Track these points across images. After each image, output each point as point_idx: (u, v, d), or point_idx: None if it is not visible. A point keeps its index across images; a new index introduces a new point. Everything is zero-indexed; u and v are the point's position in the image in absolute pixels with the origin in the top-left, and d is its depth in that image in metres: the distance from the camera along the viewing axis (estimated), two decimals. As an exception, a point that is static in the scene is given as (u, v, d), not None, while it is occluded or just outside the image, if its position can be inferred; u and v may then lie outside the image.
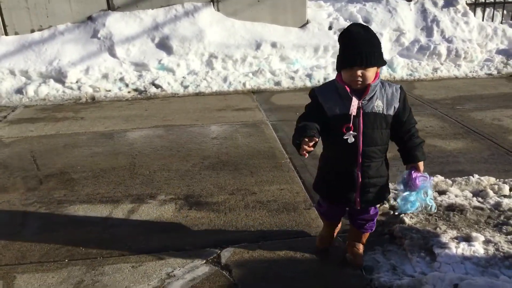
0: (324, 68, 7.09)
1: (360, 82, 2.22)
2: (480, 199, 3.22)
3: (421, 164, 2.37)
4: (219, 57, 7.03)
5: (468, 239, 2.71)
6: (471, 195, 3.29)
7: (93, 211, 3.32)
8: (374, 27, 7.79)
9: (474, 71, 7.32)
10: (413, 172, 2.35)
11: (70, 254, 2.83)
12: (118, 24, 7.17)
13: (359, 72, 2.19)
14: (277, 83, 6.79)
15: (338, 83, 2.31)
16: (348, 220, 2.68)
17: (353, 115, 2.25)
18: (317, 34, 7.65)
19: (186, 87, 6.59)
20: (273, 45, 7.30)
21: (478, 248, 2.61)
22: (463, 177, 3.51)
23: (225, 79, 6.78)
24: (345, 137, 2.26)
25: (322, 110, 2.31)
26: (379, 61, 2.24)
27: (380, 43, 2.25)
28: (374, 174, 2.38)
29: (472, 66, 7.43)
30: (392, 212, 3.11)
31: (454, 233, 2.79)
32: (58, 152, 4.48)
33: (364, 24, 2.30)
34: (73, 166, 4.14)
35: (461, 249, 2.61)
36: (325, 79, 6.85)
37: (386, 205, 3.17)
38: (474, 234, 2.73)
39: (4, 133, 5.10)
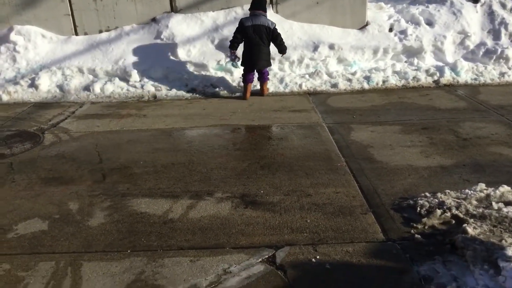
0: (383, 70, 6.94)
1: None
2: (551, 212, 3.04)
3: None
4: (276, 58, 7.05)
5: (536, 254, 2.56)
6: (541, 207, 3.10)
7: (154, 205, 3.47)
8: (437, 29, 7.54)
9: (546, 77, 6.86)
10: None
11: (132, 245, 2.97)
12: (180, 26, 7.39)
13: None
14: (334, 85, 6.73)
15: None
16: None
17: None
18: (377, 36, 7.49)
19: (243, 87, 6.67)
20: (331, 47, 7.23)
21: (548, 264, 2.47)
22: (532, 189, 3.32)
23: (281, 80, 6.81)
24: None
25: None
26: None
27: None
28: None
29: (543, 71, 6.97)
30: (453, 222, 3.01)
31: (521, 246, 2.65)
32: (122, 147, 4.71)
33: None
34: (135, 161, 4.33)
35: (529, 264, 2.47)
36: (383, 81, 6.71)
37: (448, 214, 3.07)
38: (543, 249, 2.59)
39: (73, 128, 5.42)
